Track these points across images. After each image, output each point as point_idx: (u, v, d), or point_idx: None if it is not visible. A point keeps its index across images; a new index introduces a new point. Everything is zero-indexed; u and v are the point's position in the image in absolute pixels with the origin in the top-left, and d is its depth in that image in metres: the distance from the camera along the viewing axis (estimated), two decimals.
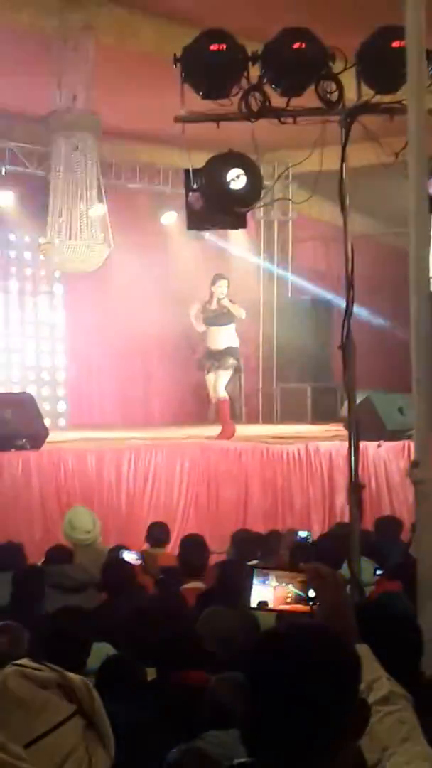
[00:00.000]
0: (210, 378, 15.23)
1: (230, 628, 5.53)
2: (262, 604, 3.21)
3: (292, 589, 3.11)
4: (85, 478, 12.02)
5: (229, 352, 15.21)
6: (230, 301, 15.09)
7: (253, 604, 3.23)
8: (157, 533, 10.19)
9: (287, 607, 3.14)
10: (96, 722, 2.18)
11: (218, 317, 15.13)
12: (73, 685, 2.17)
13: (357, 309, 6.88)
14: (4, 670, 2.20)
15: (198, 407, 18.51)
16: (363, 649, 2.64)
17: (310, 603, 2.99)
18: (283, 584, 3.15)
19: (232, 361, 15.23)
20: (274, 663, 2.15)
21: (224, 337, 15.20)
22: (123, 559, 8.34)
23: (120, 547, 9.19)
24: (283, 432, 15.30)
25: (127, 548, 9.24)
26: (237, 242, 18.05)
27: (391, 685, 2.79)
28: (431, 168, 5.62)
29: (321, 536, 10.15)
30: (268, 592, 3.18)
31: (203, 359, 15.42)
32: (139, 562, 8.65)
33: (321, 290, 18.20)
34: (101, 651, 5.47)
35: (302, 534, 10.32)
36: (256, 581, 3.19)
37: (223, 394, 15.17)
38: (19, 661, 2.23)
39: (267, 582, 3.18)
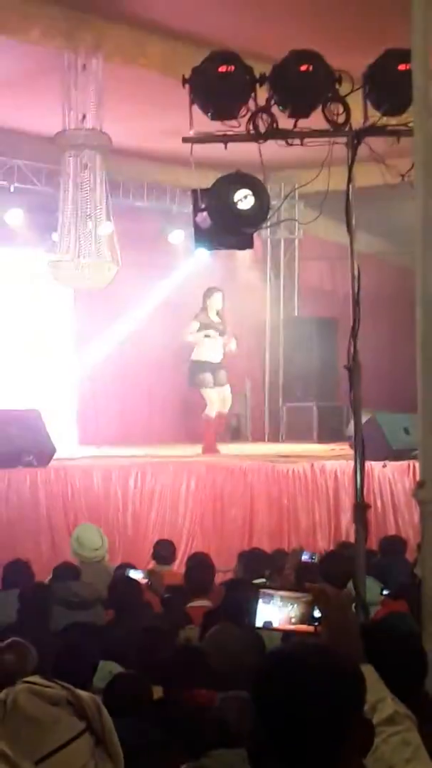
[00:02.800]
0: (211, 393, 15.28)
1: (236, 646, 5.55)
2: (268, 624, 3.24)
3: (297, 610, 3.14)
4: (91, 496, 12.04)
5: (222, 365, 15.46)
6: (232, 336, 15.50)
7: (259, 623, 3.26)
8: (163, 551, 10.19)
9: (292, 627, 3.17)
10: (105, 739, 2.20)
11: (217, 328, 15.31)
12: (83, 702, 2.20)
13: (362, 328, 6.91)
14: (15, 687, 2.22)
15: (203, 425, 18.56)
16: (368, 670, 2.66)
17: (315, 623, 3.02)
18: (289, 604, 3.18)
19: (225, 375, 15.42)
20: (279, 683, 2.17)
21: (219, 349, 15.37)
22: (129, 577, 8.34)
23: (126, 566, 9.19)
24: (289, 451, 15.30)
25: (134, 567, 9.25)
26: (243, 261, 18.09)
27: (396, 706, 2.81)
28: None
29: (325, 555, 10.15)
30: (274, 612, 3.20)
31: (197, 371, 15.47)
32: (145, 581, 8.66)
33: (327, 309, 18.21)
34: (106, 668, 5.49)
35: (306, 555, 10.30)
36: (261, 601, 3.22)
37: (226, 409, 15.28)
38: (29, 678, 2.26)
39: (272, 602, 3.20)
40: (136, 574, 8.67)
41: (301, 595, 3.15)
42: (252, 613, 3.21)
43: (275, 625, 3.21)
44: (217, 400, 15.43)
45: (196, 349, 15.53)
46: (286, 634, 3.29)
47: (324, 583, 3.10)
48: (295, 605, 3.15)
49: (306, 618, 3.10)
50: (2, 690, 2.25)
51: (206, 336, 15.41)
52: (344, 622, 2.88)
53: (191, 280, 17.51)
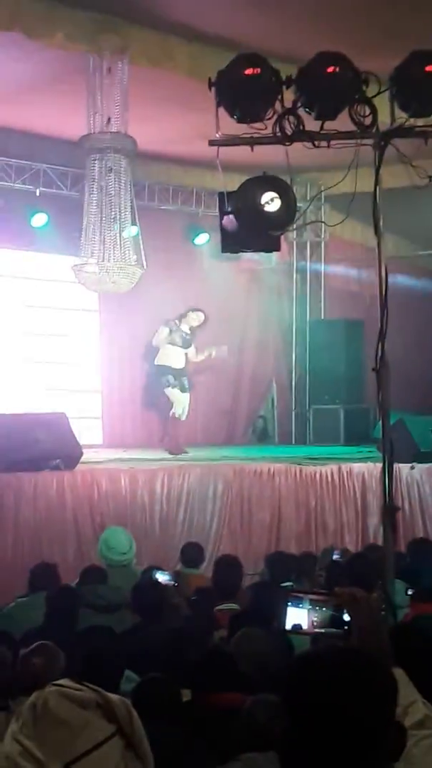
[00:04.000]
0: (174, 392, 15.61)
1: (264, 649, 5.54)
2: (296, 627, 3.22)
3: (326, 613, 3.12)
4: (118, 499, 12.04)
5: (184, 372, 15.71)
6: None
7: (288, 627, 3.24)
8: (191, 554, 10.18)
9: (321, 630, 3.15)
10: (135, 743, 2.20)
11: (184, 341, 15.66)
12: (112, 705, 2.20)
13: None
14: (45, 690, 2.22)
15: (229, 429, 18.55)
16: (398, 673, 2.65)
17: (345, 627, 3.00)
18: (318, 608, 3.16)
19: (188, 382, 15.81)
20: (310, 686, 2.16)
21: (181, 358, 15.69)
22: (156, 581, 8.33)
23: (153, 568, 9.18)
24: (316, 453, 15.28)
25: (160, 568, 9.24)
26: (270, 263, 18.08)
27: (427, 709, 2.79)
28: None
29: (353, 556, 10.12)
30: (303, 615, 3.19)
31: (160, 374, 15.77)
32: (172, 582, 8.65)
33: (353, 311, 18.17)
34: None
35: (337, 555, 10.29)
36: (290, 604, 3.20)
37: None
38: (59, 681, 2.26)
39: (301, 605, 3.19)
40: (162, 576, 8.66)
41: (330, 599, 3.14)
42: (281, 616, 3.19)
43: (304, 628, 3.20)
44: (184, 400, 15.62)
45: (160, 354, 15.70)
46: (315, 638, 3.27)
47: (353, 587, 3.07)
48: (325, 608, 3.14)
49: (335, 621, 3.09)
50: (32, 693, 2.25)
51: (170, 343, 15.58)
52: (374, 625, 2.87)
53: (217, 283, 17.52)
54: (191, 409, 16.33)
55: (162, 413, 16.30)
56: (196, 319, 15.84)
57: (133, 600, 7.63)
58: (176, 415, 15.68)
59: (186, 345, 15.75)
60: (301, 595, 3.22)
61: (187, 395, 15.72)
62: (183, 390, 15.64)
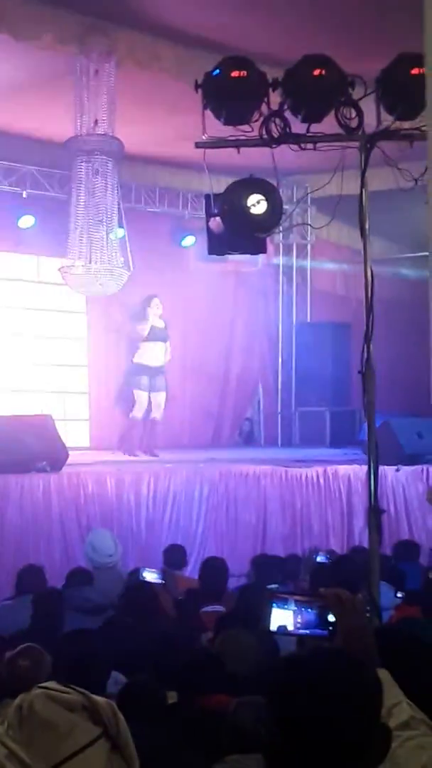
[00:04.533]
0: (142, 395, 15.42)
1: (249, 651, 5.54)
2: (282, 629, 3.23)
3: (311, 614, 3.13)
4: (104, 501, 12.04)
5: (161, 370, 15.61)
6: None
7: (273, 628, 3.25)
8: (174, 556, 10.18)
9: (306, 631, 3.16)
10: (121, 745, 2.20)
11: (156, 333, 15.47)
12: (98, 707, 2.20)
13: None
14: (31, 692, 2.22)
15: (215, 431, 18.55)
16: (383, 674, 2.66)
17: (330, 628, 3.01)
18: (303, 608, 3.17)
19: (164, 380, 15.62)
20: (295, 688, 2.16)
21: (159, 354, 15.52)
22: (145, 581, 8.32)
23: (141, 568, 9.16)
24: (302, 455, 15.30)
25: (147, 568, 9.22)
26: (255, 265, 18.08)
27: (412, 711, 2.80)
28: None
29: (338, 558, 10.14)
30: (288, 616, 3.20)
31: (135, 373, 15.65)
32: (160, 581, 8.64)
33: (340, 314, 18.19)
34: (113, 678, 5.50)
35: (322, 557, 10.29)
36: (275, 605, 3.21)
37: (159, 416, 15.66)
38: (45, 684, 2.26)
39: (286, 606, 3.20)
40: (150, 575, 8.67)
41: (315, 600, 3.15)
42: (266, 617, 3.20)
43: (289, 629, 3.21)
44: (147, 403, 15.54)
45: (139, 352, 15.62)
46: (301, 639, 3.28)
47: (338, 588, 3.07)
48: (310, 609, 3.14)
49: (320, 623, 3.10)
50: (18, 695, 2.25)
51: (150, 340, 15.56)
52: (359, 626, 2.88)
53: (204, 285, 17.53)
54: (172, 409, 16.35)
55: (147, 423, 16.24)
56: (158, 304, 15.70)
57: (123, 600, 7.63)
58: (137, 418, 15.60)
59: (164, 338, 15.69)
60: (286, 596, 3.23)
61: (159, 395, 15.67)
62: (158, 390, 15.60)
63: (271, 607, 3.20)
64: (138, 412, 15.47)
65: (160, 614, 7.60)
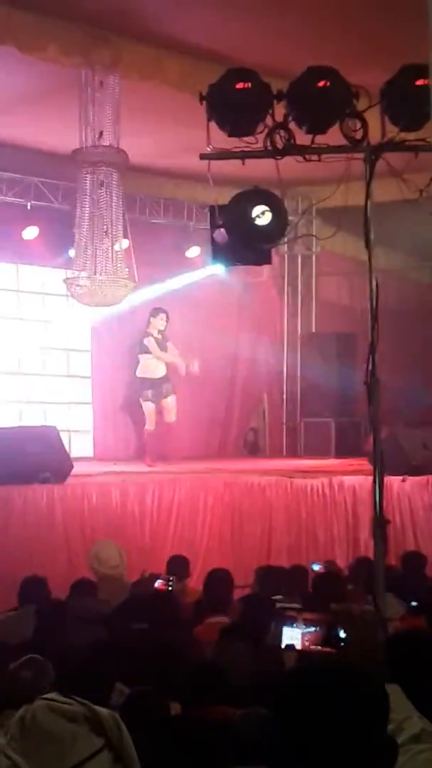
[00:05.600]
0: (149, 406, 15.51)
1: (254, 663, 5.52)
2: (290, 647, 3.23)
3: (319, 632, 3.13)
4: (109, 512, 12.02)
5: (166, 378, 15.78)
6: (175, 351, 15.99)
7: (282, 645, 3.26)
8: (178, 567, 10.14)
9: (315, 649, 3.16)
10: (124, 756, 2.19)
11: (160, 345, 15.74)
12: (101, 718, 2.20)
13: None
14: (34, 704, 2.22)
15: (221, 441, 18.54)
16: (393, 689, 2.65)
17: (340, 643, 3.01)
18: (311, 628, 3.18)
19: (170, 385, 15.75)
20: (302, 701, 2.15)
21: (160, 366, 15.74)
22: (168, 590, 8.26)
23: (152, 577, 9.11)
24: (307, 466, 15.28)
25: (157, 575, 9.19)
26: (261, 277, 18.08)
27: (423, 724, 2.79)
28: None
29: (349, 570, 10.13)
30: (296, 635, 3.20)
31: (140, 387, 15.85)
32: (168, 587, 8.62)
33: (345, 324, 18.17)
34: (116, 689, 5.48)
35: (318, 566, 10.20)
36: (285, 626, 3.22)
37: (173, 418, 15.81)
38: (47, 695, 2.26)
39: (295, 625, 3.20)
40: (159, 582, 8.67)
41: (323, 617, 3.15)
42: (278, 636, 3.21)
43: (297, 647, 3.21)
44: (156, 412, 15.70)
45: (140, 366, 15.76)
46: (302, 653, 3.28)
47: (349, 603, 3.08)
48: (317, 628, 3.15)
49: (328, 640, 3.10)
50: (21, 706, 2.25)
51: (145, 353, 15.73)
52: (369, 641, 2.87)
53: (208, 297, 17.54)
54: (178, 419, 16.38)
55: (161, 429, 16.27)
56: (162, 321, 15.83)
57: (131, 607, 7.60)
58: (150, 430, 15.73)
59: (162, 349, 15.75)
60: (294, 614, 3.24)
61: (168, 400, 15.69)
62: (165, 395, 15.62)
63: (282, 627, 3.22)
64: (150, 425, 15.55)
65: (178, 624, 7.52)
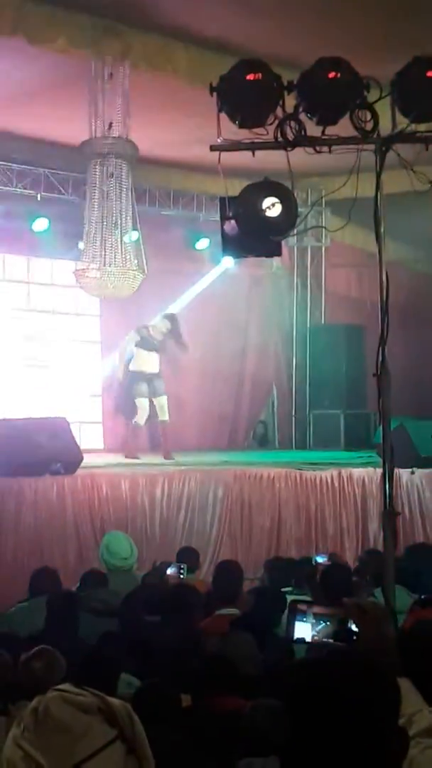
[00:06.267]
0: (143, 402, 15.48)
1: (264, 655, 5.53)
2: (300, 640, 3.23)
3: (329, 627, 3.13)
4: (119, 504, 12.05)
5: (160, 375, 15.75)
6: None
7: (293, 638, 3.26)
8: (188, 559, 10.14)
9: (327, 640, 3.16)
10: (137, 747, 2.19)
11: (152, 343, 15.66)
12: (114, 709, 2.19)
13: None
14: (46, 695, 2.22)
15: (230, 434, 18.54)
16: (404, 683, 2.65)
17: (352, 637, 3.00)
18: (321, 622, 3.17)
19: (163, 384, 15.74)
20: (312, 692, 2.16)
21: (154, 361, 15.70)
22: (190, 585, 8.24)
23: (162, 566, 9.12)
24: (316, 458, 15.28)
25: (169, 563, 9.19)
26: (270, 268, 18.07)
27: None
28: None
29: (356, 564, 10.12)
30: (306, 629, 3.20)
31: (134, 381, 15.71)
32: (181, 575, 8.63)
33: (354, 316, 18.16)
34: (124, 680, 5.49)
35: (319, 558, 10.18)
36: (297, 620, 3.21)
37: (166, 417, 15.69)
38: (60, 686, 2.25)
39: (305, 620, 3.20)
40: (171, 570, 8.68)
41: (334, 612, 3.15)
42: (290, 630, 3.20)
43: (307, 641, 3.21)
44: (149, 408, 15.67)
45: (134, 360, 15.73)
46: (312, 646, 3.28)
47: (361, 598, 3.08)
48: (328, 623, 3.15)
49: (339, 635, 3.09)
50: (33, 697, 2.25)
51: (143, 348, 15.69)
52: (380, 635, 2.87)
53: (218, 288, 17.54)
54: (187, 412, 16.43)
55: (154, 427, 16.28)
56: (164, 326, 15.83)
57: (143, 599, 7.59)
58: (140, 425, 15.76)
59: (157, 349, 15.81)
60: (305, 608, 3.23)
61: (161, 398, 15.72)
62: (158, 394, 15.64)
63: (293, 620, 3.21)
64: (141, 419, 15.53)
65: (193, 616, 7.50)
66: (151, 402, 15.56)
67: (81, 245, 14.11)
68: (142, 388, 15.55)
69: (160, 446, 15.66)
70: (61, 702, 2.17)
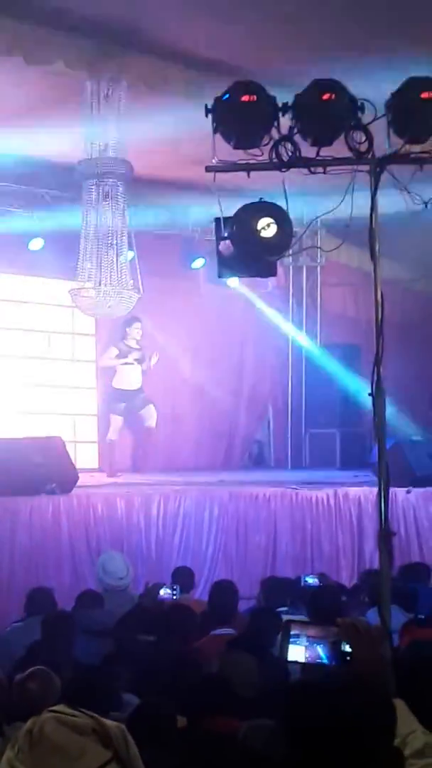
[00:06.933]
0: (117, 419, 15.75)
1: (259, 675, 5.53)
2: (294, 663, 3.23)
3: (324, 649, 3.13)
4: (114, 523, 12.04)
5: (140, 391, 15.92)
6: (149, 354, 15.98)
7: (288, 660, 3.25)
8: (182, 579, 10.13)
9: (321, 663, 3.16)
10: None
11: (138, 357, 15.82)
12: (108, 731, 2.20)
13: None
14: (41, 716, 2.22)
15: (226, 452, 18.54)
16: (399, 704, 2.65)
17: (347, 658, 3.00)
18: (315, 644, 3.17)
19: (144, 398, 15.85)
20: (308, 712, 2.16)
21: (137, 377, 15.81)
22: (185, 605, 8.23)
23: (156, 587, 9.11)
24: (312, 477, 15.28)
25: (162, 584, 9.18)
26: (266, 288, 18.09)
27: (427, 738, 2.80)
28: None
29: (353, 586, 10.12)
30: (300, 651, 3.20)
31: (113, 398, 15.91)
32: (173, 596, 8.61)
33: (350, 336, 18.17)
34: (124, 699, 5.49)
35: (309, 579, 10.14)
36: (290, 642, 3.21)
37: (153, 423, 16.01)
38: (55, 707, 2.26)
39: (298, 642, 3.20)
40: (165, 591, 8.66)
41: (328, 633, 3.14)
42: (284, 651, 3.20)
43: (302, 662, 3.21)
44: (120, 426, 15.89)
45: (116, 377, 15.84)
46: (306, 666, 3.28)
47: (355, 618, 3.08)
48: (322, 645, 3.14)
49: (331, 656, 3.09)
50: (28, 719, 2.25)
51: (125, 363, 15.74)
52: (375, 656, 2.87)
53: (213, 308, 17.55)
54: (182, 430, 16.45)
55: (140, 436, 16.32)
56: (138, 330, 15.91)
57: (138, 619, 7.59)
58: (113, 440, 15.87)
59: (141, 361, 15.87)
60: (299, 631, 3.23)
61: (147, 409, 15.77)
62: (141, 407, 15.74)
63: (287, 642, 3.21)
64: (113, 435, 15.60)
65: (188, 636, 7.49)
66: (132, 417, 15.62)
67: (77, 265, 14.11)
68: (119, 406, 15.72)
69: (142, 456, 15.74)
70: (56, 723, 2.18)
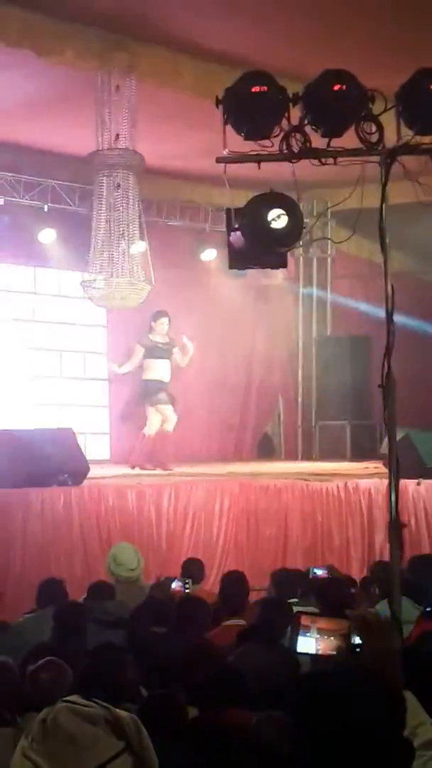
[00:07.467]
0: (154, 412, 15.63)
1: (270, 667, 5.53)
2: (304, 654, 3.24)
3: (333, 641, 3.13)
4: (125, 515, 12.05)
5: (169, 385, 15.81)
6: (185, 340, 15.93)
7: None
8: (192, 570, 10.13)
9: (332, 655, 3.17)
10: (144, 759, 2.20)
11: (160, 351, 15.72)
12: (121, 721, 2.20)
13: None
14: (54, 706, 2.23)
15: (236, 444, 18.54)
16: (408, 696, 2.66)
17: (356, 650, 3.01)
18: (325, 636, 3.18)
19: (169, 395, 15.80)
20: (319, 704, 2.17)
21: (165, 370, 15.74)
22: (196, 597, 8.23)
23: (167, 580, 9.12)
24: (323, 469, 15.28)
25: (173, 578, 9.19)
26: (276, 279, 18.07)
27: None
28: None
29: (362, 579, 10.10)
30: (311, 643, 3.20)
31: (150, 389, 15.74)
32: (184, 589, 8.62)
33: (360, 327, 18.16)
34: None
35: (317, 571, 10.11)
36: (300, 635, 3.22)
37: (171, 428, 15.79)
38: (68, 698, 2.27)
39: (309, 634, 3.20)
40: (176, 584, 8.68)
41: (338, 627, 3.14)
42: (293, 642, 3.21)
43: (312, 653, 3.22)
44: (159, 420, 15.73)
45: (146, 370, 15.79)
46: (315, 658, 3.29)
47: (365, 610, 3.08)
48: (332, 637, 3.15)
49: (344, 648, 3.10)
50: (40, 709, 2.26)
51: (152, 358, 15.72)
52: (385, 648, 2.87)
53: (224, 299, 17.54)
54: (193, 423, 16.45)
55: (156, 437, 16.27)
56: (164, 324, 15.87)
57: (150, 610, 7.59)
58: (150, 434, 15.73)
59: (168, 355, 15.81)
60: (309, 623, 3.23)
61: (170, 407, 15.76)
62: (165, 403, 15.71)
63: (296, 635, 3.22)
64: (150, 429, 15.53)
65: (200, 628, 7.48)
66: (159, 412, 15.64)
67: (88, 256, 14.10)
68: (161, 396, 15.63)
69: (156, 457, 15.65)
70: (69, 713, 2.19)
